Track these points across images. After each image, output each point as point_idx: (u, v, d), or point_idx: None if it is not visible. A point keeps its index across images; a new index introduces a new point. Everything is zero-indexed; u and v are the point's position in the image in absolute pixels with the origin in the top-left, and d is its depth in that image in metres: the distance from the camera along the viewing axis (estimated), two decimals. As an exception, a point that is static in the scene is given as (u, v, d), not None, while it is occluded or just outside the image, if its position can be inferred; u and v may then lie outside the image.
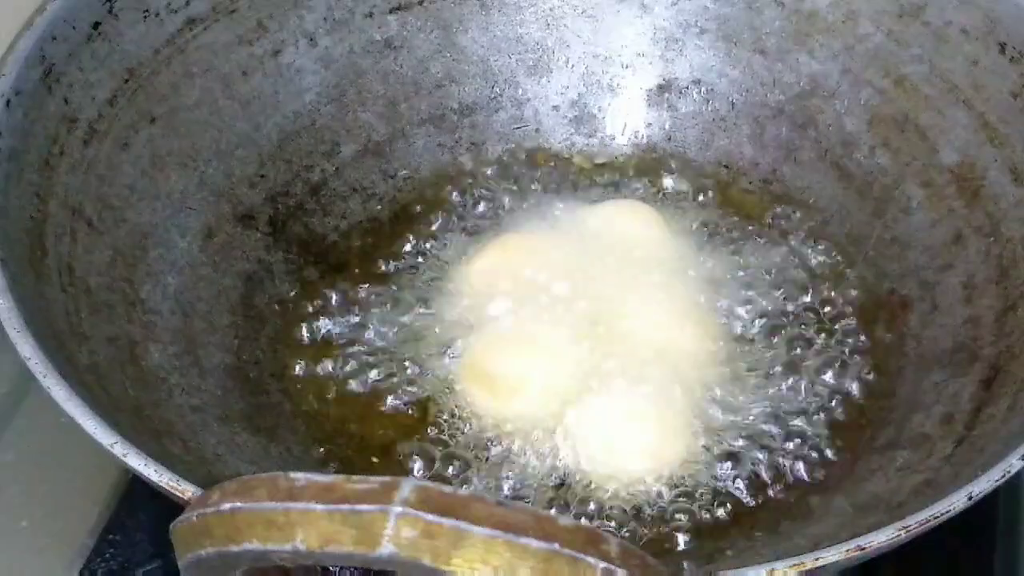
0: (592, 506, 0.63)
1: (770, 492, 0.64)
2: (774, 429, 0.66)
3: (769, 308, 0.72)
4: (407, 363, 0.69)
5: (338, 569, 0.45)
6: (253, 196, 0.74)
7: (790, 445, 0.65)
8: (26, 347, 0.52)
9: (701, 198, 0.79)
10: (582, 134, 0.83)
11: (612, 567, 0.37)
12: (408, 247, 0.76)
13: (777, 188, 0.79)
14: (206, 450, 0.60)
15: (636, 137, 0.82)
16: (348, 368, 0.69)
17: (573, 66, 0.82)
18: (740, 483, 0.64)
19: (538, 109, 0.82)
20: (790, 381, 0.68)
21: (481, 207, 0.79)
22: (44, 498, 0.71)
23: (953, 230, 0.69)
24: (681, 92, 0.81)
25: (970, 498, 0.49)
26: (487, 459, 0.65)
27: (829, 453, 0.65)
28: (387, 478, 0.37)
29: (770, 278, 0.74)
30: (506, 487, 0.64)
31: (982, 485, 0.49)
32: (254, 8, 0.74)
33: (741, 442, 0.65)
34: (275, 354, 0.70)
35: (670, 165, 0.81)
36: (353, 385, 0.69)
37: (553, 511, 0.61)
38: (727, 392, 0.67)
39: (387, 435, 0.67)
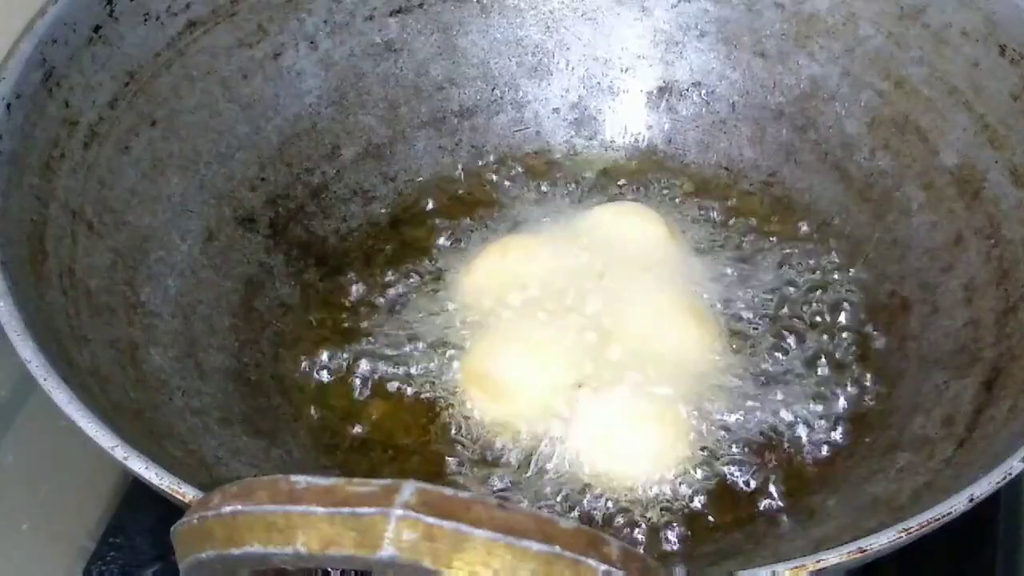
0: (593, 508, 0.63)
1: (771, 494, 0.64)
2: (775, 431, 0.66)
3: (769, 310, 0.72)
4: (407, 365, 0.69)
5: (339, 572, 0.45)
6: (253, 199, 0.74)
7: (791, 447, 0.65)
8: (27, 350, 0.52)
9: (701, 200, 0.79)
10: (582, 136, 0.83)
11: (613, 569, 0.37)
12: (408, 249, 0.76)
13: (777, 190, 0.79)
14: (207, 453, 0.60)
15: (636, 139, 0.82)
16: (349, 370, 0.69)
17: (573, 69, 0.82)
18: (741, 485, 0.64)
19: (538, 112, 0.82)
20: (790, 382, 0.68)
21: (481, 210, 0.79)
22: (45, 501, 0.71)
23: (953, 232, 0.69)
24: (681, 94, 0.81)
25: (971, 500, 0.49)
26: (488, 461, 0.65)
27: (830, 455, 0.65)
28: (387, 481, 0.37)
29: (770, 280, 0.74)
30: (507, 489, 0.64)
31: (983, 487, 0.49)
32: (254, 11, 0.74)
33: (742, 444, 0.65)
34: (276, 357, 0.70)
35: (670, 167, 0.81)
36: (354, 387, 0.69)
37: (554, 513, 0.61)
38: (727, 394, 0.67)
39: (388, 437, 0.67)
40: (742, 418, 0.66)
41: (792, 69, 0.78)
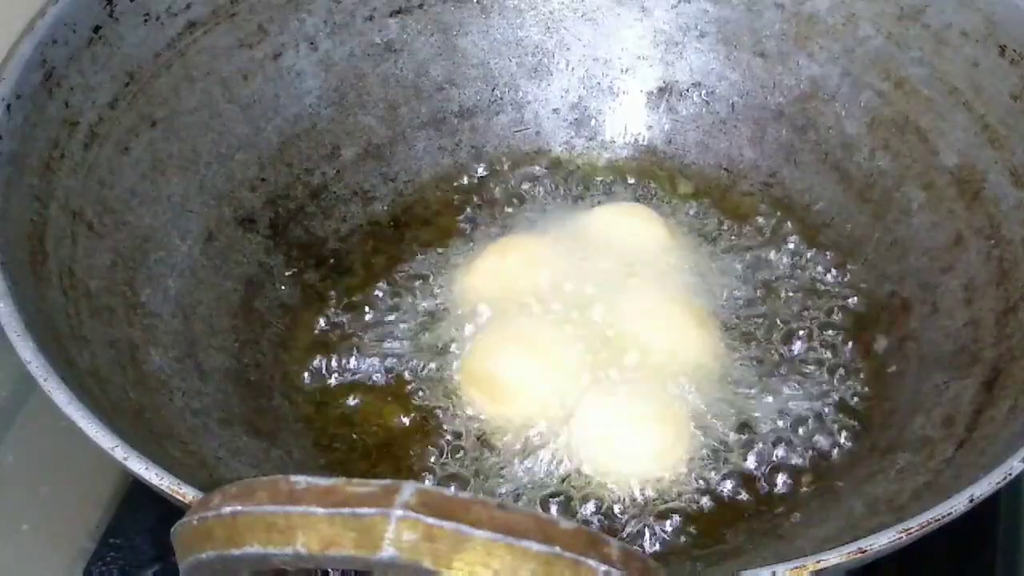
0: (592, 508, 0.63)
1: (771, 494, 0.64)
2: (775, 431, 0.66)
3: (769, 310, 0.72)
4: (407, 366, 0.69)
5: (339, 572, 0.45)
6: (253, 199, 0.74)
7: (791, 447, 0.65)
8: (27, 351, 0.52)
9: (701, 201, 0.79)
10: (582, 137, 0.83)
11: (613, 569, 0.37)
12: (408, 250, 0.76)
13: (777, 191, 0.79)
14: (207, 453, 0.60)
15: (636, 140, 0.82)
16: (349, 371, 0.69)
17: (573, 69, 0.82)
18: (740, 485, 0.64)
19: (538, 112, 0.82)
20: (790, 383, 0.68)
21: (481, 210, 0.79)
22: (45, 501, 0.71)
23: (953, 232, 0.69)
24: (681, 95, 0.81)
25: (971, 500, 0.49)
26: (488, 462, 0.65)
27: (830, 455, 0.65)
28: (388, 481, 0.37)
29: (770, 281, 0.74)
30: (507, 490, 0.64)
31: (983, 487, 0.49)
32: (254, 12, 0.74)
33: (742, 444, 0.65)
34: (276, 357, 0.70)
35: (670, 168, 0.81)
36: (354, 388, 0.69)
37: (554, 514, 0.61)
38: (727, 394, 0.67)
39: (388, 438, 0.67)
40: (742, 419, 0.66)
41: (792, 69, 0.78)
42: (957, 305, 0.67)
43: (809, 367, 0.69)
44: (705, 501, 0.63)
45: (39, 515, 0.70)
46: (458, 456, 0.65)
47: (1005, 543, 0.68)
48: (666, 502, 0.63)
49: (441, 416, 0.67)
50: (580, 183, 0.81)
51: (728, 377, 0.68)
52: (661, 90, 0.82)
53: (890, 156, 0.74)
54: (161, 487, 0.48)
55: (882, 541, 0.47)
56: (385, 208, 0.79)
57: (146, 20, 0.69)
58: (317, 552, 0.37)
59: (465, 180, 0.80)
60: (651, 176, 0.81)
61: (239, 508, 0.38)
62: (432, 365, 0.69)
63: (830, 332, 0.71)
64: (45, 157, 0.62)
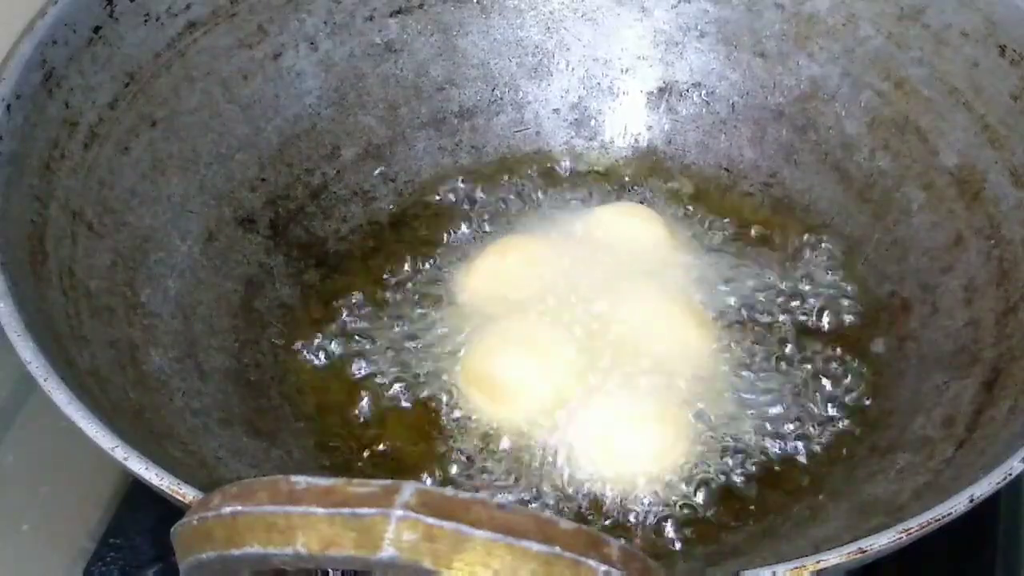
0: (592, 508, 0.63)
1: (771, 494, 0.64)
2: (775, 431, 0.66)
3: (769, 310, 0.72)
4: (407, 366, 0.69)
5: (339, 573, 0.45)
6: (254, 200, 0.74)
7: (791, 447, 0.65)
8: (27, 351, 0.52)
9: (701, 201, 0.79)
10: (582, 137, 0.83)
11: (613, 569, 0.37)
12: (408, 250, 0.76)
13: (777, 191, 0.79)
14: (207, 454, 0.60)
15: (636, 140, 0.82)
16: (349, 371, 0.69)
17: (573, 69, 0.82)
18: (741, 485, 0.64)
19: (538, 112, 0.82)
20: (790, 383, 0.68)
21: (481, 210, 0.79)
22: (45, 501, 0.71)
23: (954, 232, 0.69)
24: (681, 95, 0.81)
25: (971, 500, 0.49)
26: (487, 462, 0.65)
27: (830, 455, 0.65)
28: (388, 481, 0.38)
29: (770, 280, 0.74)
30: (506, 490, 0.64)
31: (983, 487, 0.49)
32: (254, 12, 0.74)
33: (741, 444, 0.65)
34: (276, 357, 0.70)
35: (670, 168, 0.81)
36: (354, 388, 0.69)
37: (553, 514, 0.61)
38: (727, 394, 0.67)
39: (388, 438, 0.67)
40: (741, 419, 0.66)
41: (792, 69, 0.78)
42: (957, 305, 0.67)
43: (809, 367, 0.69)
44: (705, 501, 0.63)
45: (39, 515, 0.70)
46: (458, 456, 0.65)
47: (1005, 543, 0.68)
48: (666, 502, 0.63)
49: (441, 416, 0.67)
50: (580, 183, 0.81)
51: (728, 377, 0.68)
52: (661, 90, 0.82)
53: (890, 156, 0.74)
54: (161, 487, 0.48)
55: (882, 541, 0.47)
56: (385, 208, 0.79)
57: (146, 20, 0.69)
58: (317, 552, 0.37)
59: (465, 180, 0.80)
60: (651, 176, 0.81)
61: (239, 508, 0.38)
62: (432, 365, 0.69)
63: (830, 332, 0.71)
64: (45, 157, 0.62)
